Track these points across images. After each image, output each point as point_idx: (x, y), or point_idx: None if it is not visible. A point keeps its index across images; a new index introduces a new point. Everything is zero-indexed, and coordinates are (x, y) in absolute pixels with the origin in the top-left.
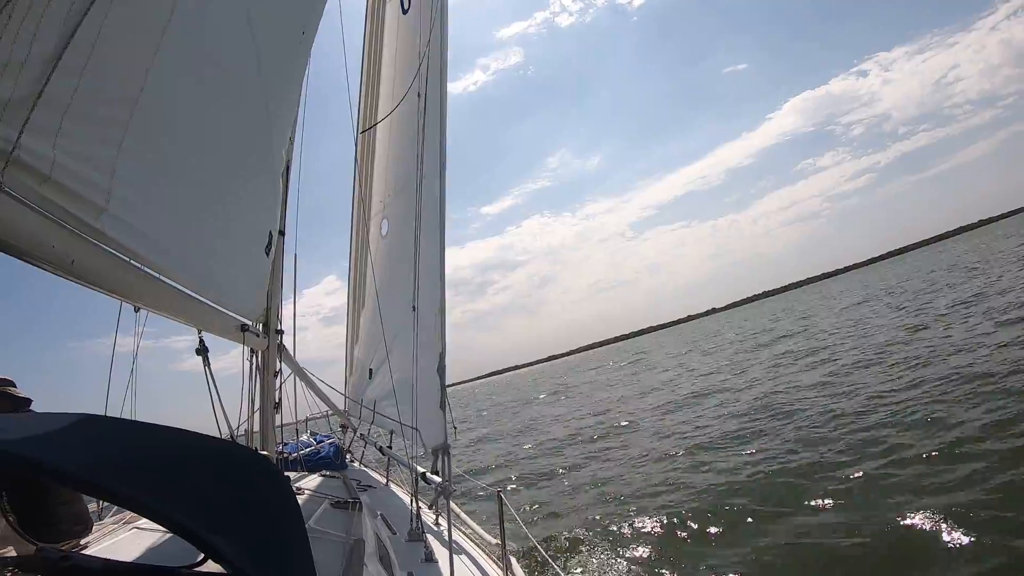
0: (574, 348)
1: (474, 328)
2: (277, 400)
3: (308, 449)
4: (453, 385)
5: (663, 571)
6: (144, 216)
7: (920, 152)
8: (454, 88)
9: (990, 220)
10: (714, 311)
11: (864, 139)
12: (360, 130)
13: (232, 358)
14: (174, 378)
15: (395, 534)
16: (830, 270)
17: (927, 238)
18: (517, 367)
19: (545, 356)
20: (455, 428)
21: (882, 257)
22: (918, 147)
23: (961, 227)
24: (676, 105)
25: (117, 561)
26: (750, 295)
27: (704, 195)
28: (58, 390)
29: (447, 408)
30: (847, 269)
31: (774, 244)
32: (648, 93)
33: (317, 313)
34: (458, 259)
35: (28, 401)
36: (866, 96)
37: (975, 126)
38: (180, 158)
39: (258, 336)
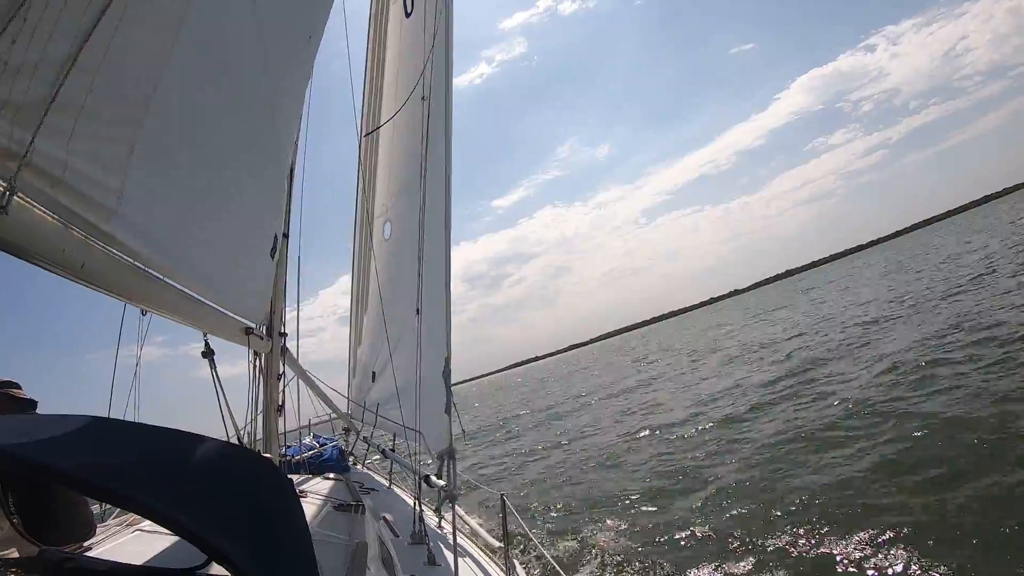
0: (594, 336)
1: (491, 322)
2: (281, 403)
3: (311, 452)
4: (468, 381)
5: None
6: (152, 218)
7: (932, 126)
8: (460, 82)
9: (1015, 188)
10: (736, 292)
11: (875, 115)
12: (363, 133)
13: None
14: (193, 383)
15: (398, 537)
16: (852, 246)
17: (948, 210)
18: (536, 358)
19: (565, 346)
20: (463, 431)
21: (907, 230)
22: (929, 121)
23: (986, 196)
24: (684, 89)
25: (121, 563)
26: (771, 275)
27: (716, 179)
28: (75, 397)
29: (453, 412)
30: (869, 245)
31: (788, 224)
32: (655, 78)
33: (334, 313)
34: (471, 253)
35: (33, 404)
36: (875, 71)
37: (986, 97)
38: (189, 160)
39: (262, 339)
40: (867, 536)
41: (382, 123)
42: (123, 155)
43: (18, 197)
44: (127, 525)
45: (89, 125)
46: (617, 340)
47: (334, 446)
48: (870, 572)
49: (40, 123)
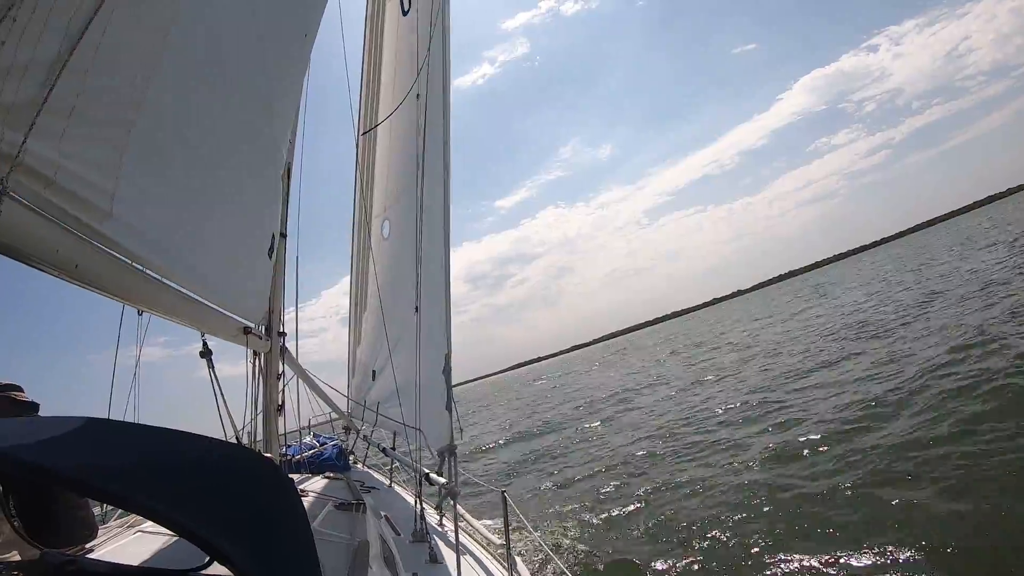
0: (597, 337)
1: (494, 322)
2: (280, 402)
3: (311, 451)
4: (471, 381)
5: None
6: (147, 218)
7: (935, 126)
8: (462, 83)
9: (1019, 188)
10: (740, 293)
11: (877, 115)
12: (361, 132)
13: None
14: (195, 384)
15: (399, 535)
16: (856, 247)
17: (952, 210)
18: (540, 359)
19: (568, 347)
20: (461, 429)
21: (910, 230)
22: (932, 121)
23: (990, 196)
24: (686, 89)
25: (123, 565)
26: (775, 275)
27: (718, 179)
28: (75, 398)
29: (453, 409)
30: (872, 245)
31: (791, 225)
32: (657, 79)
33: (337, 314)
34: (475, 254)
35: (35, 406)
36: (877, 72)
37: (989, 97)
38: (183, 160)
39: (261, 339)
40: None
41: (379, 122)
42: (116, 156)
43: (10, 198)
44: (128, 527)
45: (81, 126)
46: (621, 340)
47: (334, 445)
48: None
49: (31, 124)
